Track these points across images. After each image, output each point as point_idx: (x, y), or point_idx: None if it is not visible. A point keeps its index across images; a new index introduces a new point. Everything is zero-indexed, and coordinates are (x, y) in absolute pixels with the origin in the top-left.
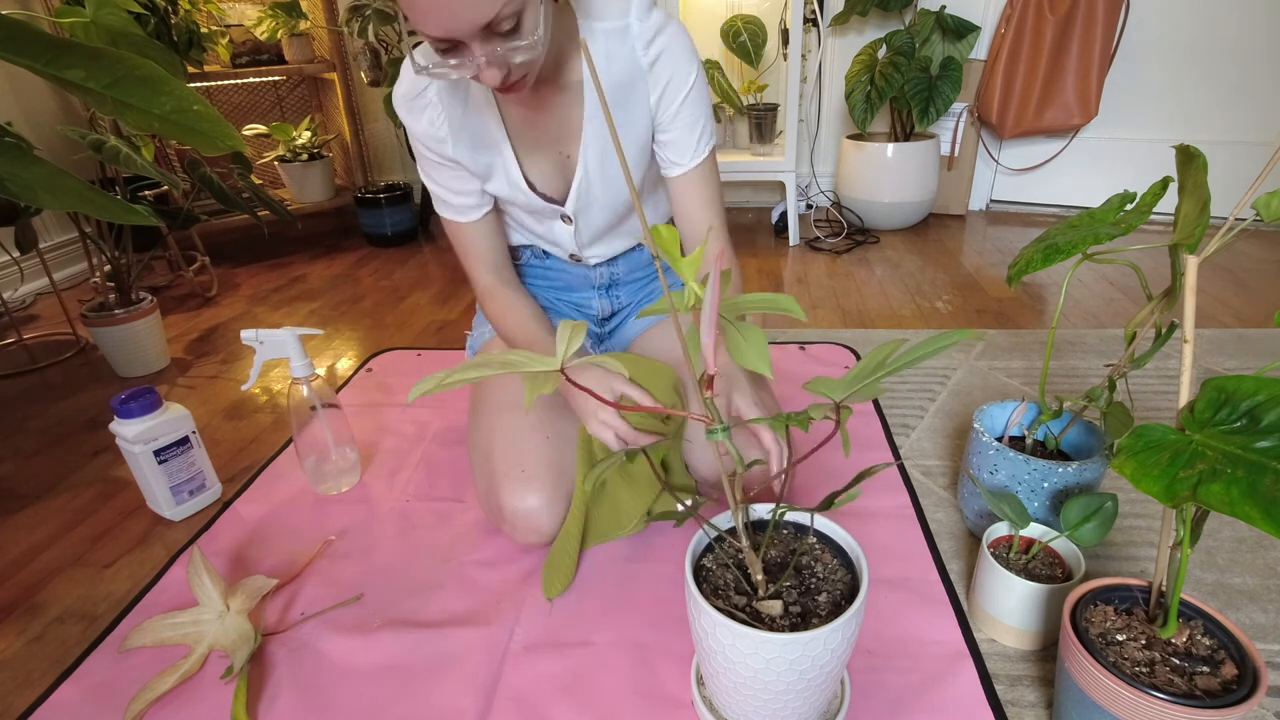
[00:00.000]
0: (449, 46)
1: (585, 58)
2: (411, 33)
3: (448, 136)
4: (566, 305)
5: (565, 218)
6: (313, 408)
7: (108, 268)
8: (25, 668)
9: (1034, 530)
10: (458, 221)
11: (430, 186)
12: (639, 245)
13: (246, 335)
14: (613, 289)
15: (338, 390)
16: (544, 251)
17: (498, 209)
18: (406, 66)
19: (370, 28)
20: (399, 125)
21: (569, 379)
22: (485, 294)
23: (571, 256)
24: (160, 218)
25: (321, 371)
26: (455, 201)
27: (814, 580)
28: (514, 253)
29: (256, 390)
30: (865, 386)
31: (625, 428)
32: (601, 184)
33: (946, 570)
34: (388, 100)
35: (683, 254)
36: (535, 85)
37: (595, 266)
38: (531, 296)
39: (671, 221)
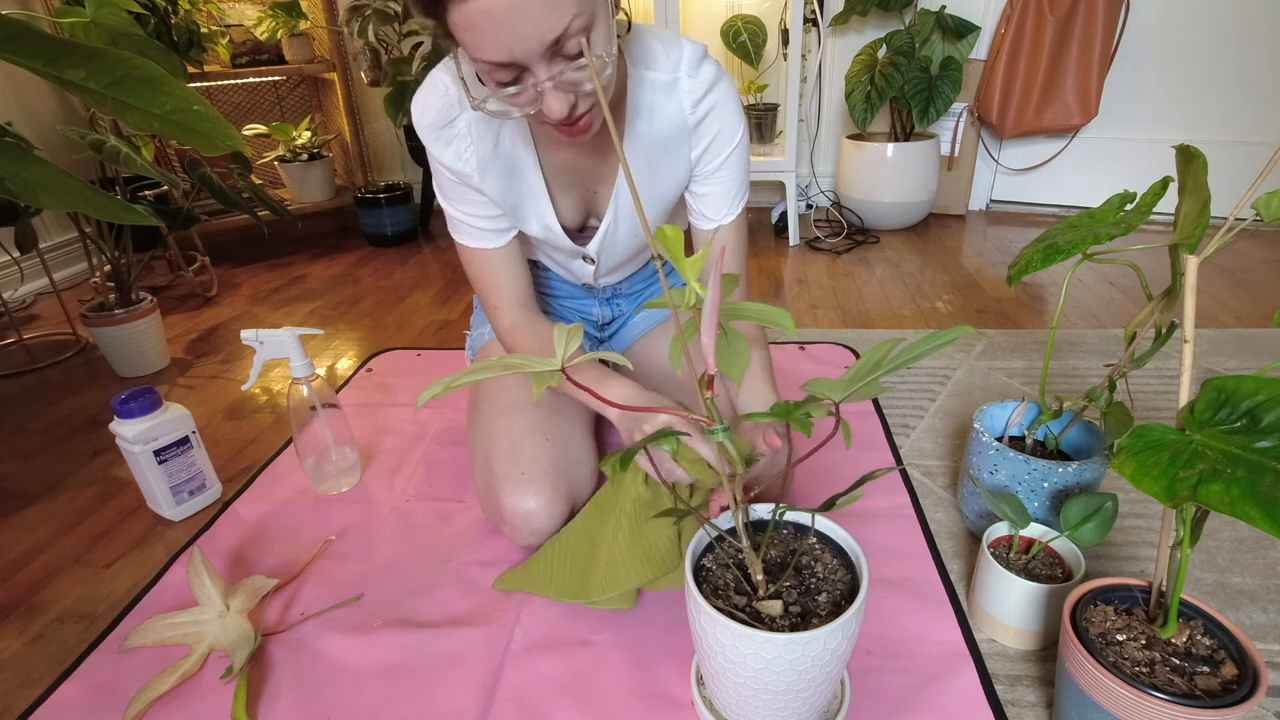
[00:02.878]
0: (510, 76)
1: (607, 115)
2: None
3: (475, 171)
4: (567, 310)
5: (587, 258)
6: (313, 408)
7: (108, 268)
8: (25, 668)
9: (1034, 530)
10: (480, 249)
11: (449, 210)
12: (647, 263)
13: (246, 335)
14: (614, 299)
15: (338, 390)
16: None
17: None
18: (430, 89)
19: (370, 28)
20: (399, 125)
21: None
22: (511, 330)
23: (585, 285)
24: (160, 218)
25: (321, 371)
26: (478, 226)
27: (814, 580)
28: None
29: (256, 390)
30: (864, 386)
31: (680, 473)
32: (629, 229)
33: (946, 570)
34: (388, 100)
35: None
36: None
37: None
38: (541, 318)
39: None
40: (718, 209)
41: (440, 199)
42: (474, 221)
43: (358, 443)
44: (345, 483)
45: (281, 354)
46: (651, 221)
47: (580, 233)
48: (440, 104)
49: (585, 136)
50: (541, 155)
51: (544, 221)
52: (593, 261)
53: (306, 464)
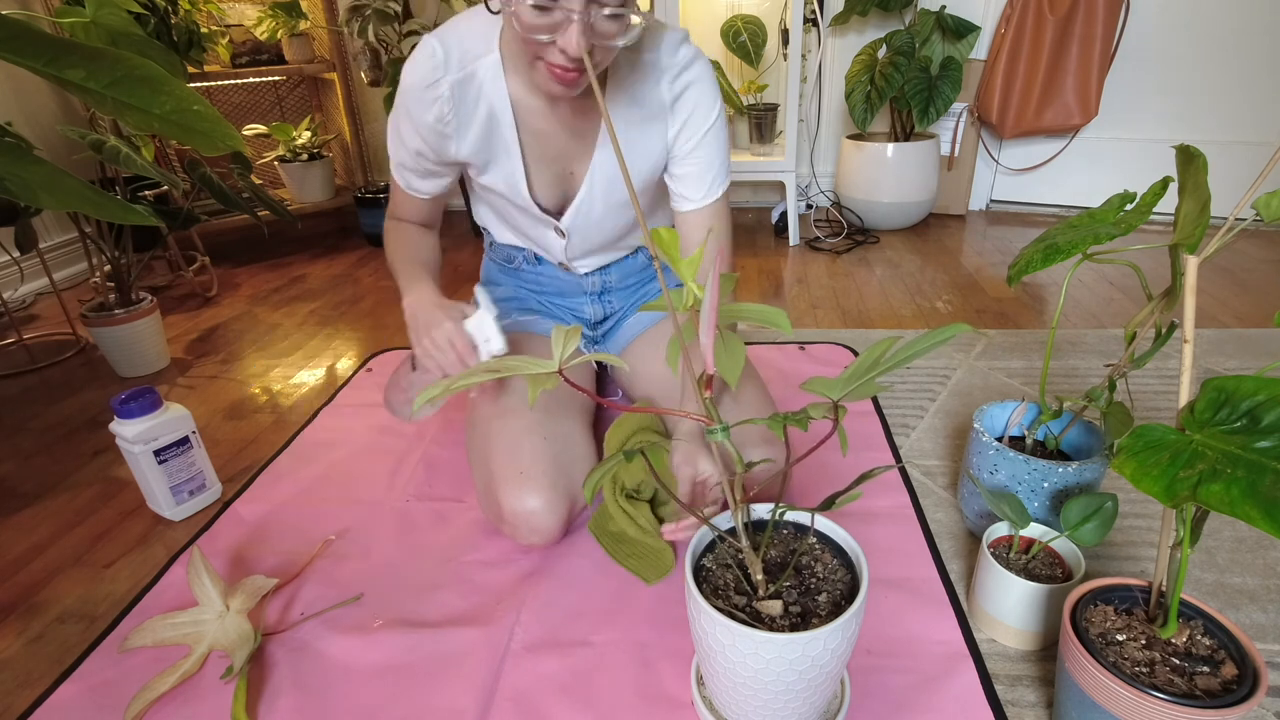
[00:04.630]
0: (548, 5)
1: (593, 82)
2: None
3: (454, 134)
4: (560, 310)
5: (559, 230)
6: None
7: (108, 268)
8: (25, 668)
9: (1034, 530)
10: (407, 193)
11: (395, 153)
12: (634, 252)
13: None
14: (605, 295)
15: (338, 390)
16: (537, 257)
17: (448, 193)
18: (419, 52)
19: (370, 28)
20: None
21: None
22: (397, 223)
23: (561, 265)
24: (160, 218)
25: (353, 357)
26: (416, 184)
27: (814, 580)
28: (508, 256)
29: (257, 390)
30: (862, 385)
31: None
32: (604, 208)
33: (946, 570)
34: (388, 100)
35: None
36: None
37: (586, 275)
38: (434, 239)
39: None
40: (696, 189)
41: (391, 140)
42: (415, 179)
43: (356, 443)
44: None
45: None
46: (628, 204)
47: (557, 216)
48: (428, 65)
49: (572, 91)
50: (522, 131)
51: (514, 184)
52: (563, 235)
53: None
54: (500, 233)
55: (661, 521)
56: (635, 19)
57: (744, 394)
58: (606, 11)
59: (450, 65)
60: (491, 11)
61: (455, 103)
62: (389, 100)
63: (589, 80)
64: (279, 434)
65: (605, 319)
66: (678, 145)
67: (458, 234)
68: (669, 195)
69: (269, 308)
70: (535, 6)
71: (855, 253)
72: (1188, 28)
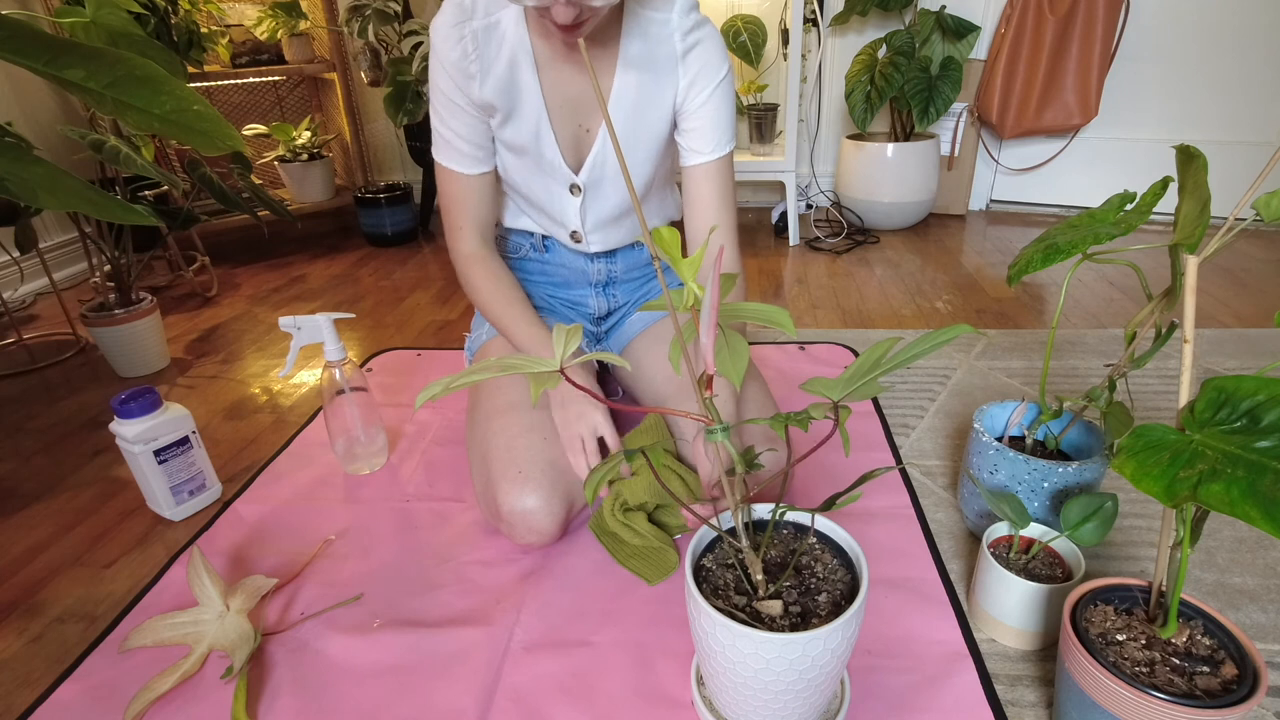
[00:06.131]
0: None
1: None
2: None
3: (478, 74)
4: (563, 304)
5: (575, 188)
6: (340, 391)
7: (108, 268)
8: (25, 668)
9: (1034, 530)
10: (458, 172)
11: (438, 128)
12: (637, 243)
13: (285, 322)
14: (610, 287)
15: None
16: (544, 245)
17: (498, 176)
18: (451, 2)
19: (370, 28)
20: (399, 125)
21: (568, 379)
22: (469, 259)
23: (573, 235)
24: (160, 218)
25: (353, 356)
26: (462, 149)
27: (814, 580)
28: (515, 246)
29: (257, 390)
30: (862, 386)
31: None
32: (618, 165)
33: (946, 570)
34: (388, 100)
35: (688, 250)
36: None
37: (594, 260)
38: (511, 272)
39: (677, 224)
40: (706, 142)
41: (433, 116)
42: (460, 144)
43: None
44: (374, 464)
45: (317, 339)
46: (640, 162)
47: (577, 172)
48: (455, 11)
49: (577, 34)
50: (542, 76)
51: (536, 129)
52: (579, 191)
53: (336, 445)
54: (511, 213)
55: (660, 527)
56: None
57: (746, 393)
58: None
59: (476, 12)
60: None
61: (479, 46)
62: (389, 100)
63: (590, 28)
64: (279, 434)
65: (609, 314)
66: (689, 100)
67: None
68: (676, 172)
69: (269, 308)
70: None
71: (855, 253)
72: (1188, 28)
